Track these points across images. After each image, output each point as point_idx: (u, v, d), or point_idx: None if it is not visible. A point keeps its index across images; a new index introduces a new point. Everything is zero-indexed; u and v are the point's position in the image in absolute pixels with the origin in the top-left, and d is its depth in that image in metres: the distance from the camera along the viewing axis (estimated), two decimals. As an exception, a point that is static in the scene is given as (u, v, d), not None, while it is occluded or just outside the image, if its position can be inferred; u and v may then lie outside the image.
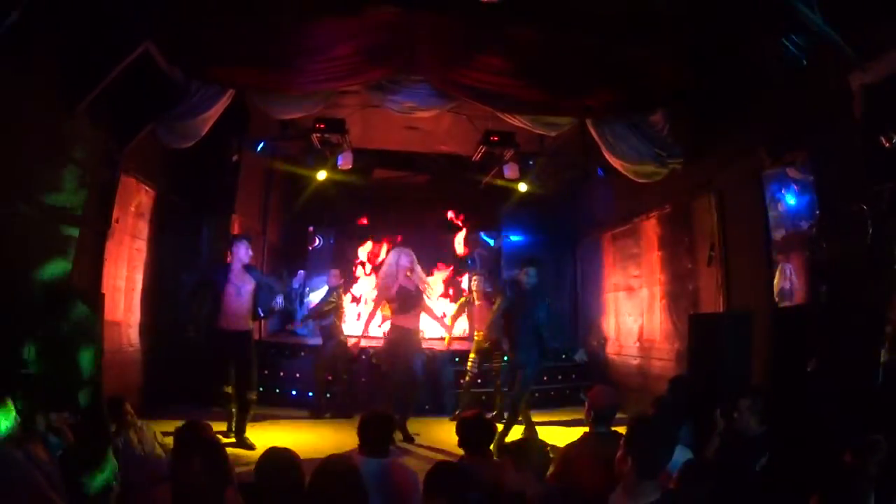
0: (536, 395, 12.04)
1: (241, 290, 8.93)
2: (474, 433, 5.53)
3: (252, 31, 7.85)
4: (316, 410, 11.04)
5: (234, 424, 8.85)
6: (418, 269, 9.86)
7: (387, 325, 10.27)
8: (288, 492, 4.13)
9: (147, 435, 6.48)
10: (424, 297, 9.92)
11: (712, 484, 3.95)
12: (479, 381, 11.35)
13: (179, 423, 5.32)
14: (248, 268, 9.07)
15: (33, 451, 4.59)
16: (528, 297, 9.23)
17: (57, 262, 7.17)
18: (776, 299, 7.70)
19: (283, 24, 7.88)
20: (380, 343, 10.67)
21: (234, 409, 8.83)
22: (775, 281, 7.72)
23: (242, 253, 9.04)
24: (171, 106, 8.30)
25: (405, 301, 9.57)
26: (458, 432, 5.62)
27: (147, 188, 9.90)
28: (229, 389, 8.78)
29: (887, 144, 5.78)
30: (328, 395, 11.32)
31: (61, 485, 4.58)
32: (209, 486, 3.76)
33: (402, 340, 9.58)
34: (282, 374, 12.16)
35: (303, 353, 12.23)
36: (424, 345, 11.48)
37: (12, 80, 6.12)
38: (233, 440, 8.63)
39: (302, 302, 15.59)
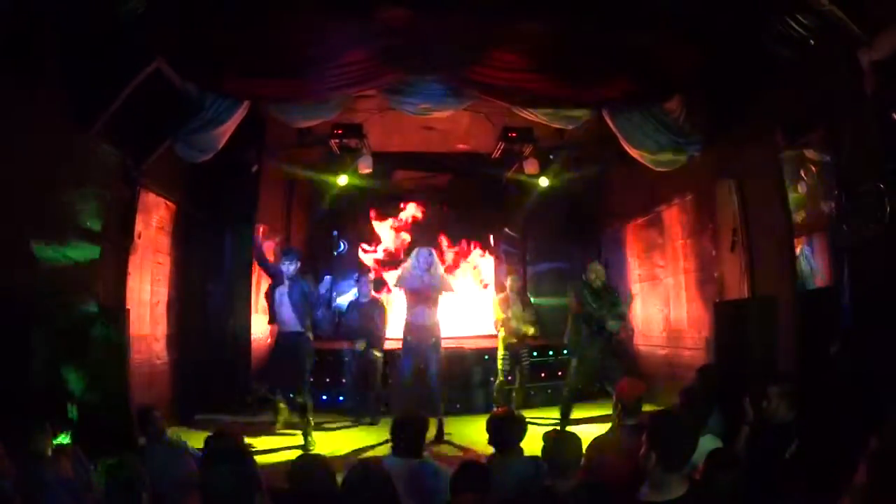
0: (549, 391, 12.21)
1: (283, 297, 9.33)
2: (505, 431, 5.53)
3: (263, 42, 7.90)
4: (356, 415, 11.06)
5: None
6: (440, 268, 9.87)
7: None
8: (321, 498, 4.15)
9: (177, 445, 6.51)
10: (442, 294, 9.94)
11: (738, 472, 3.92)
12: (510, 378, 11.32)
13: (208, 434, 5.37)
14: (294, 279, 9.38)
15: (61, 469, 4.64)
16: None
17: (81, 282, 7.24)
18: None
19: (294, 33, 7.92)
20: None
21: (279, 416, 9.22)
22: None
23: (284, 268, 9.36)
24: (186, 120, 8.36)
25: (421, 298, 9.61)
26: (488, 430, 5.62)
27: (167, 202, 9.97)
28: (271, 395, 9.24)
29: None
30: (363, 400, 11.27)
31: (90, 498, 4.63)
32: (238, 495, 3.78)
33: (415, 339, 9.64)
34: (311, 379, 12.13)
35: (330, 358, 12.15)
36: (454, 343, 11.52)
37: (25, 104, 6.19)
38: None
39: (329, 307, 15.60)
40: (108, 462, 4.56)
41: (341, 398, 11.76)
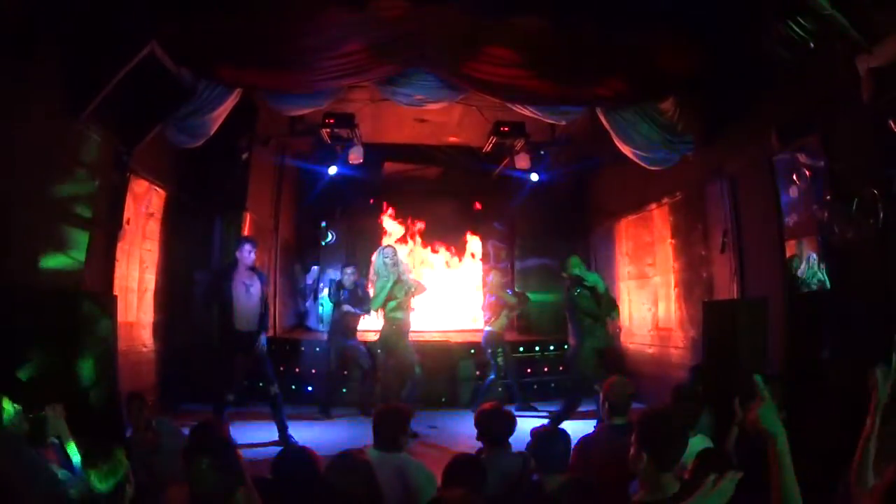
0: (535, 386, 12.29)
1: (250, 289, 8.80)
2: (495, 425, 5.51)
3: (259, 30, 7.86)
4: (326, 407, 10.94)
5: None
6: (402, 266, 9.80)
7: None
8: (305, 488, 4.13)
9: (166, 435, 6.45)
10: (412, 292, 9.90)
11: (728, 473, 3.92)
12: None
13: (193, 422, 5.33)
14: (253, 269, 8.97)
15: (43, 453, 4.60)
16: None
17: (68, 265, 7.19)
18: (800, 286, 7.63)
19: (290, 22, 7.88)
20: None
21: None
22: (802, 267, 7.65)
23: (245, 254, 8.85)
24: (178, 106, 8.30)
25: (388, 297, 9.56)
26: (477, 425, 5.59)
27: (157, 189, 9.91)
28: (231, 397, 8.82)
29: (896, 128, 5.74)
30: (344, 391, 11.20)
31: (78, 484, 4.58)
32: (221, 486, 3.76)
33: (392, 336, 9.60)
34: (297, 370, 12.13)
35: (318, 350, 12.11)
36: (440, 337, 11.47)
37: (18, 86, 6.13)
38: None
39: (316, 297, 15.58)
40: (92, 452, 4.53)
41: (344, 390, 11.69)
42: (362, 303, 10.94)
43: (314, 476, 4.24)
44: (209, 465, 3.81)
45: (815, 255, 7.33)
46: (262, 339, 8.91)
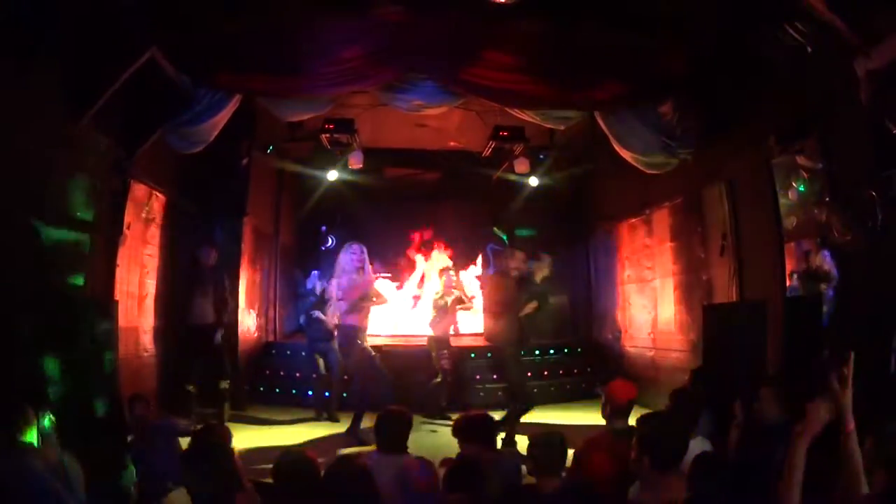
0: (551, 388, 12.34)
1: (211, 288, 9.91)
2: (478, 429, 5.54)
3: (258, 37, 7.87)
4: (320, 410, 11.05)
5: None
6: (368, 267, 9.80)
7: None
8: (305, 493, 4.14)
9: (165, 439, 6.46)
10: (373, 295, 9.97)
11: (723, 477, 3.93)
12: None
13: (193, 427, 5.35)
14: (213, 270, 10.04)
15: (48, 459, 4.60)
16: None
17: (70, 271, 7.19)
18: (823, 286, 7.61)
19: (290, 29, 7.89)
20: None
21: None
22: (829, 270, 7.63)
23: (205, 257, 10.00)
24: (178, 112, 8.31)
25: (351, 302, 9.57)
26: (461, 431, 5.60)
27: (158, 194, 9.91)
28: (191, 388, 9.53)
29: (895, 130, 5.74)
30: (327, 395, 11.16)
31: (76, 491, 4.60)
32: (218, 492, 3.77)
33: (354, 340, 9.59)
34: (297, 374, 12.15)
35: (303, 353, 12.07)
36: (463, 342, 11.62)
37: (18, 91, 6.13)
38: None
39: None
40: (95, 456, 4.55)
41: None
42: (330, 305, 10.96)
43: (314, 480, 4.25)
44: (208, 469, 3.83)
45: (826, 254, 7.32)
46: (218, 335, 9.84)
